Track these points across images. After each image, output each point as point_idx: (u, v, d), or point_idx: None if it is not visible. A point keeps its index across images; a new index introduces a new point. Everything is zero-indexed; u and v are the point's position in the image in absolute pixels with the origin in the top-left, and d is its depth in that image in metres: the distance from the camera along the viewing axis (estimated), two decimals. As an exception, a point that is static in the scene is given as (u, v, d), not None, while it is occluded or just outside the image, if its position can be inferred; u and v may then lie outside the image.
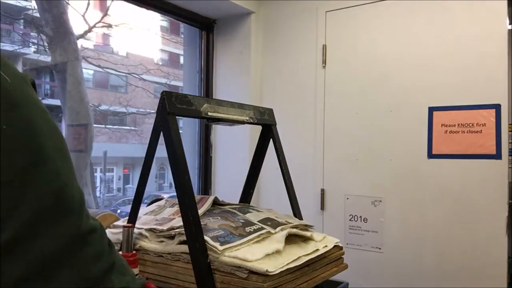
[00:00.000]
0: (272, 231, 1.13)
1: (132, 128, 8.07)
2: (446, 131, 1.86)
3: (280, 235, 1.09)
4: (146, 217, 1.26)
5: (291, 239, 1.11)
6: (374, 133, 2.03)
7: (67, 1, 2.96)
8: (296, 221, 1.28)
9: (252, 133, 2.27)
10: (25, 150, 0.30)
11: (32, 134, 0.31)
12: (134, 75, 6.89)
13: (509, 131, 1.85)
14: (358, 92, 2.08)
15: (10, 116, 0.29)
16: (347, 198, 2.10)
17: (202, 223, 1.04)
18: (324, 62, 2.19)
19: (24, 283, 0.29)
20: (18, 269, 0.29)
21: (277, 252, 1.02)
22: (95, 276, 0.32)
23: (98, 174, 7.13)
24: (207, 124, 2.39)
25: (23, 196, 0.29)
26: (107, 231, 1.20)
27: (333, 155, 2.15)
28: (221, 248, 0.98)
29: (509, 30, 1.79)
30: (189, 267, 1.01)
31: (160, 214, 1.25)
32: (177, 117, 1.08)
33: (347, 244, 2.05)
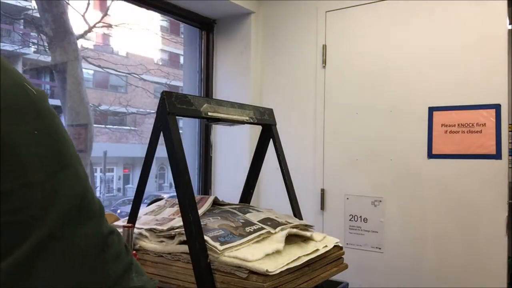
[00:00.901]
0: (272, 231, 1.13)
1: (132, 128, 8.08)
2: (446, 131, 1.86)
3: (280, 235, 1.09)
4: (146, 217, 1.26)
5: (291, 239, 1.11)
6: (374, 133, 2.03)
7: (67, 1, 2.96)
8: (296, 221, 1.28)
9: (252, 133, 2.27)
10: (54, 154, 0.32)
11: (58, 141, 0.34)
12: (134, 75, 6.89)
13: (509, 131, 1.85)
14: (358, 92, 2.08)
15: (40, 123, 0.32)
16: (347, 198, 2.10)
17: (202, 223, 1.04)
18: (324, 62, 2.19)
19: (54, 282, 0.30)
20: (49, 267, 0.30)
21: (277, 252, 1.02)
22: (117, 275, 0.34)
23: (98, 174, 7.13)
24: (207, 124, 2.39)
25: (54, 197, 0.31)
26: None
27: (333, 155, 2.15)
28: (221, 248, 0.98)
29: (509, 30, 1.79)
30: (189, 267, 1.01)
31: (160, 214, 1.25)
32: (177, 117, 1.08)
33: (347, 244, 2.05)
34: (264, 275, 0.93)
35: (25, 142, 0.30)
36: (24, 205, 0.29)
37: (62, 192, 0.32)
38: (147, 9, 2.16)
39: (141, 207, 1.22)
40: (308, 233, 1.17)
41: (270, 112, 1.45)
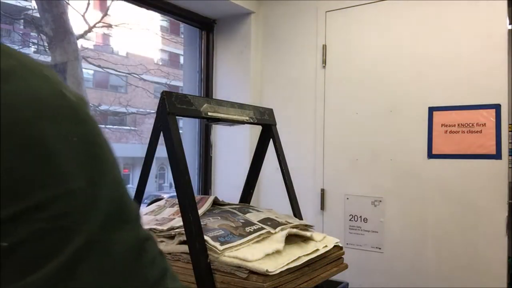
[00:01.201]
0: (272, 231, 1.13)
1: (132, 128, 8.08)
2: (446, 131, 1.86)
3: (280, 235, 1.09)
4: (146, 217, 1.26)
5: (291, 239, 1.11)
6: (374, 133, 2.03)
7: (67, 1, 2.96)
8: (296, 221, 1.28)
9: (252, 133, 2.27)
10: (92, 161, 0.33)
11: (97, 147, 0.35)
12: (134, 75, 6.89)
13: (509, 131, 1.85)
14: (358, 92, 2.08)
15: (79, 130, 0.33)
16: (347, 198, 2.10)
17: (202, 223, 1.04)
18: (324, 62, 2.19)
19: (94, 286, 0.31)
20: (89, 272, 0.31)
21: (277, 252, 1.02)
22: (154, 280, 0.35)
23: (98, 174, 7.12)
24: (207, 124, 2.39)
25: (93, 203, 0.32)
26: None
27: (333, 155, 2.15)
28: (221, 248, 0.98)
29: (509, 30, 1.79)
30: (189, 267, 1.01)
31: (160, 214, 1.25)
32: (177, 117, 1.08)
33: (347, 244, 2.05)
34: (264, 275, 0.93)
35: (65, 150, 0.31)
36: (65, 212, 0.30)
37: (101, 197, 0.32)
38: (147, 9, 2.16)
39: (141, 207, 1.22)
40: (308, 233, 1.17)
41: (270, 112, 1.45)
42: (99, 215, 0.32)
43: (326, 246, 1.16)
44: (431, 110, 1.89)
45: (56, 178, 0.30)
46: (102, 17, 4.40)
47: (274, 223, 1.18)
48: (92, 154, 0.33)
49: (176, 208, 1.23)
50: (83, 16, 3.68)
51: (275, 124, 1.46)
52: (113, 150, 0.37)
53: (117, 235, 0.33)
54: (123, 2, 2.02)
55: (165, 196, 1.48)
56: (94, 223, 0.31)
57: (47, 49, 3.04)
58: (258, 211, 1.28)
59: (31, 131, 0.30)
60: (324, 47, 2.20)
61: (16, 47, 3.99)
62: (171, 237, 1.10)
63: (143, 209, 1.32)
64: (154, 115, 1.09)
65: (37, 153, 0.30)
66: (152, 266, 0.35)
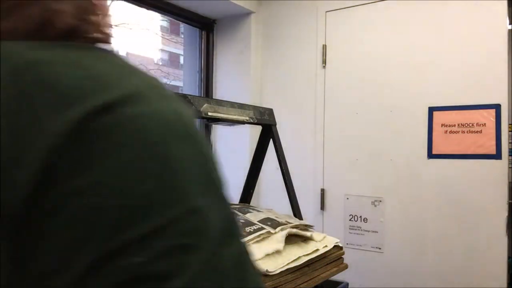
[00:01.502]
0: (272, 231, 1.13)
1: (132, 128, 8.08)
2: (446, 131, 1.86)
3: (280, 235, 1.09)
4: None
5: (291, 239, 1.11)
6: (374, 133, 2.03)
7: (67, 1, 2.96)
8: (296, 221, 1.28)
9: (252, 133, 2.27)
10: (208, 179, 0.35)
11: (210, 165, 0.36)
12: (134, 75, 6.87)
13: (509, 131, 1.85)
14: (358, 92, 2.08)
15: (195, 149, 0.34)
16: (347, 198, 2.10)
17: (202, 223, 1.04)
18: (324, 62, 2.19)
19: None
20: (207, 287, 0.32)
21: (277, 252, 1.02)
22: None
23: (98, 174, 7.13)
24: (207, 124, 2.39)
25: (210, 220, 0.33)
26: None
27: (333, 155, 2.15)
28: (221, 248, 0.98)
29: (509, 30, 1.79)
30: (189, 267, 1.01)
31: (160, 214, 1.25)
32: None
33: (347, 244, 2.05)
34: (264, 275, 0.93)
35: (186, 170, 0.32)
36: (187, 230, 0.31)
37: (215, 215, 0.33)
38: (147, 9, 2.16)
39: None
40: (308, 233, 1.17)
41: (270, 112, 1.45)
42: (214, 232, 0.33)
43: (326, 246, 1.16)
44: (431, 110, 1.89)
45: (180, 197, 0.31)
46: (102, 17, 4.39)
47: (274, 223, 1.18)
48: (206, 172, 0.35)
49: (176, 208, 1.23)
50: (83, 16, 3.67)
51: (275, 124, 1.46)
52: (218, 165, 0.38)
53: (226, 250, 0.34)
54: (123, 2, 2.02)
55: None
56: (211, 240, 0.32)
57: (47, 49, 3.05)
58: (258, 211, 1.28)
59: (159, 153, 0.31)
60: (324, 47, 2.20)
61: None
62: (171, 237, 1.10)
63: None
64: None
65: (165, 174, 0.31)
66: (249, 279, 0.36)
